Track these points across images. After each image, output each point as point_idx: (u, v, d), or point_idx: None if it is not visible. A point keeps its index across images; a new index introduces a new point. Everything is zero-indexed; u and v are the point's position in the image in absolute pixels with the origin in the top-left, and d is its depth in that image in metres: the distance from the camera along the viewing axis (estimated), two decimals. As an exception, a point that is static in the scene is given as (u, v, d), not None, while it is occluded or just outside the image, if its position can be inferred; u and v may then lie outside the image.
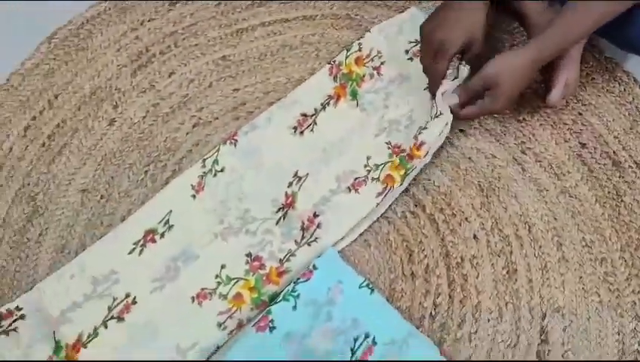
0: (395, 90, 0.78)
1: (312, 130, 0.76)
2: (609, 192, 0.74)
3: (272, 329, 0.63)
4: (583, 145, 0.76)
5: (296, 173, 0.73)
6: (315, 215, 0.71)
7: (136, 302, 0.67)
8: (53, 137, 0.78)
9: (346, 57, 0.79)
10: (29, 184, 0.75)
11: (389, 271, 0.70)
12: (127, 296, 0.67)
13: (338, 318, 0.64)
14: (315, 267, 0.66)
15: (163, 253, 0.69)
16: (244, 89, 0.81)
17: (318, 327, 0.64)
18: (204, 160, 0.73)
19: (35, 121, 0.79)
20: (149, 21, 0.86)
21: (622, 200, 0.73)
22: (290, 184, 0.73)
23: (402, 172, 0.72)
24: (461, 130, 0.77)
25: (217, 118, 0.79)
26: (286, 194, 0.72)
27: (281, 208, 0.71)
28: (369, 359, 0.62)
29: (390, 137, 0.75)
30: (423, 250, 0.71)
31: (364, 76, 0.78)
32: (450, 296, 0.69)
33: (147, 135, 0.78)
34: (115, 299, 0.66)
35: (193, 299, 0.67)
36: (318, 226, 0.70)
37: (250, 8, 0.86)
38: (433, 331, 0.67)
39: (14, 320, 0.65)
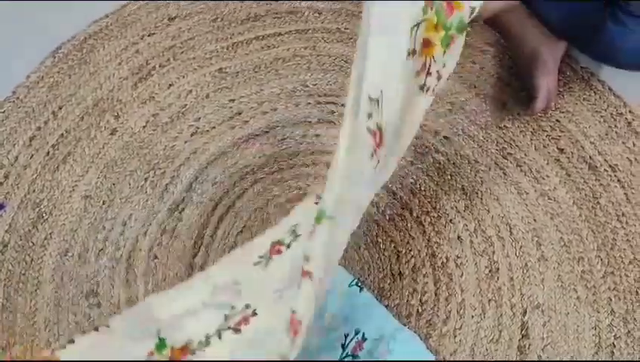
0: None
1: None
2: (586, 195, 0.78)
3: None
4: (561, 151, 0.81)
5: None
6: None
7: (256, 314, 0.64)
8: (57, 146, 0.81)
9: None
10: (34, 191, 0.78)
11: (377, 271, 0.73)
12: (247, 307, 0.65)
13: (329, 315, 0.67)
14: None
15: (287, 263, 0.66)
16: (239, 99, 0.85)
17: (313, 326, 0.67)
18: None
19: (39, 131, 0.83)
20: (148, 36, 0.90)
21: (598, 202, 0.77)
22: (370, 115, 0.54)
23: (442, 33, 0.58)
24: (445, 137, 0.81)
25: (214, 127, 0.83)
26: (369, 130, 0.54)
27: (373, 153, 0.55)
28: (359, 354, 0.66)
29: None
30: (410, 250, 0.75)
31: None
32: (435, 294, 0.72)
33: (147, 144, 0.82)
34: (233, 308, 0.65)
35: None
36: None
37: (245, 23, 0.91)
38: (420, 327, 0.70)
39: None
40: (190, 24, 0.91)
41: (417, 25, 0.55)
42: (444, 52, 0.58)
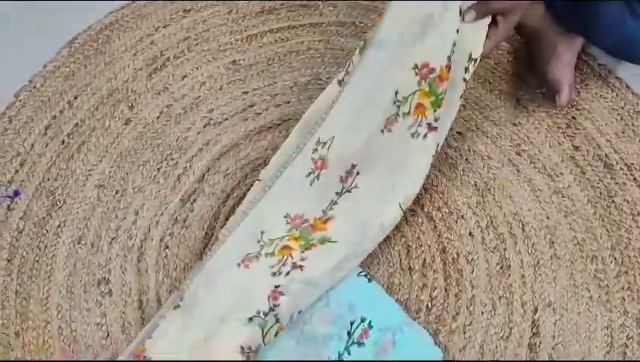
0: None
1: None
2: (600, 193, 0.77)
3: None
4: (576, 148, 0.80)
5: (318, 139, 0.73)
6: (353, 166, 0.73)
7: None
8: (72, 135, 0.82)
9: None
10: (48, 179, 0.79)
11: (387, 265, 0.73)
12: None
13: (335, 303, 0.68)
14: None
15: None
16: (252, 92, 0.85)
17: (317, 313, 0.67)
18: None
19: (55, 120, 0.84)
20: (164, 27, 0.90)
21: (613, 201, 0.76)
22: (315, 150, 0.73)
23: (432, 98, 0.69)
24: (459, 133, 0.81)
25: (227, 119, 0.83)
26: (312, 160, 0.73)
27: (311, 172, 0.73)
28: (364, 341, 0.66)
29: (416, 57, 0.69)
30: (421, 245, 0.74)
31: None
32: (445, 290, 0.72)
33: (160, 134, 0.82)
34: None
35: (239, 265, 0.69)
36: (358, 173, 0.72)
37: (260, 16, 0.91)
38: (429, 322, 0.70)
39: None
40: (205, 16, 0.91)
41: (413, 93, 0.69)
42: (434, 110, 0.69)
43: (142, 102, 0.84)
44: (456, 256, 0.73)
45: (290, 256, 0.69)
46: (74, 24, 0.90)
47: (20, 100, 0.84)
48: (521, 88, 0.84)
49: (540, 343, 0.69)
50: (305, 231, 0.71)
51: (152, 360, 0.63)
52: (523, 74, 0.85)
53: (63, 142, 0.82)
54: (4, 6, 0.92)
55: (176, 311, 0.66)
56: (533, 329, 0.69)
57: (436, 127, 0.70)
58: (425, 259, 0.73)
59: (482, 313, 0.70)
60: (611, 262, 0.73)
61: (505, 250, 0.74)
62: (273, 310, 0.65)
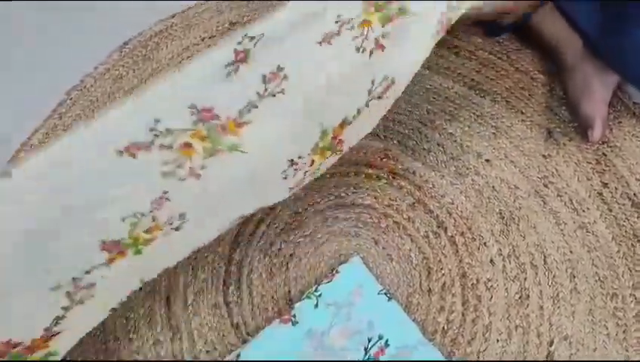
0: None
1: None
2: (626, 232, 0.77)
3: (294, 323, 0.69)
4: (605, 185, 0.80)
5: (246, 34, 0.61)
6: (280, 68, 0.61)
7: None
8: (116, 135, 0.87)
9: None
10: (91, 175, 0.84)
11: (407, 285, 0.75)
12: None
13: (356, 319, 0.70)
14: (337, 271, 0.72)
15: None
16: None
17: (337, 326, 0.69)
18: None
19: (101, 119, 0.88)
20: (209, 38, 0.94)
21: (638, 241, 0.76)
22: (240, 42, 0.61)
23: (379, 15, 0.63)
24: (487, 160, 0.82)
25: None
26: (235, 51, 0.60)
27: (229, 64, 0.60)
28: (380, 358, 0.68)
29: None
30: (442, 268, 0.76)
31: None
32: (463, 315, 0.73)
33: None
34: None
35: (121, 152, 0.58)
36: (285, 78, 0.61)
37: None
38: (444, 345, 0.71)
39: None
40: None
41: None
42: (382, 25, 0.63)
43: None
44: (475, 282, 0.75)
45: (190, 158, 0.59)
46: (126, 29, 0.95)
47: (71, 98, 0.89)
48: (553, 121, 0.85)
49: (554, 376, 0.69)
50: (214, 130, 0.60)
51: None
52: (556, 107, 0.86)
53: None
54: (63, 7, 0.98)
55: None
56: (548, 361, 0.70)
57: (383, 46, 0.63)
58: (445, 283, 0.75)
59: (497, 340, 0.71)
60: (631, 301, 0.73)
61: (525, 279, 0.75)
62: (152, 212, 0.59)
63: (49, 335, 0.61)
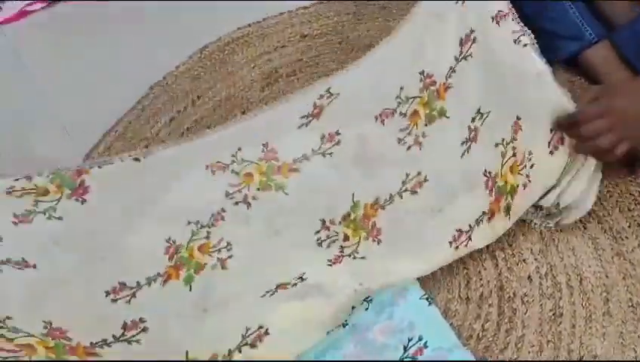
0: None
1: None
2: (662, 263, 0.80)
3: (344, 325, 0.75)
4: (645, 216, 0.84)
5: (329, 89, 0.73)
6: (337, 132, 0.73)
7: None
8: (191, 129, 0.96)
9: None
10: (166, 163, 0.93)
11: (447, 292, 0.80)
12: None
13: (398, 318, 0.75)
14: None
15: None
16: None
17: (380, 323, 0.75)
18: None
19: (179, 114, 0.97)
20: (281, 47, 1.03)
21: (673, 273, 0.80)
22: (322, 96, 0.73)
23: (427, 111, 0.74)
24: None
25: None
26: (314, 104, 0.73)
27: (306, 116, 0.73)
28: (418, 357, 0.73)
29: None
30: (481, 279, 0.81)
31: None
32: (497, 324, 0.78)
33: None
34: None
35: (207, 166, 0.70)
36: (337, 143, 0.73)
37: (367, 49, 1.00)
38: (477, 350, 0.76)
39: None
40: (318, 43, 1.03)
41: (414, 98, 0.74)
42: (425, 125, 0.74)
43: (253, 110, 0.96)
44: (512, 296, 0.79)
45: (248, 186, 0.70)
46: (207, 35, 1.04)
47: (154, 93, 0.99)
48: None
49: (580, 391, 0.73)
50: (271, 169, 0.71)
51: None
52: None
53: (182, 134, 0.95)
54: (152, 7, 1.07)
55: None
56: (575, 377, 0.74)
57: (421, 143, 0.74)
58: (482, 293, 0.80)
59: (529, 352, 0.76)
60: (662, 329, 0.76)
61: (560, 298, 0.79)
62: (208, 227, 0.69)
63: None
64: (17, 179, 0.62)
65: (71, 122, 0.95)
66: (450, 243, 0.77)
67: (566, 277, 0.80)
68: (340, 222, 0.75)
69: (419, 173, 0.76)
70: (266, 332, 0.71)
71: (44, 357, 0.59)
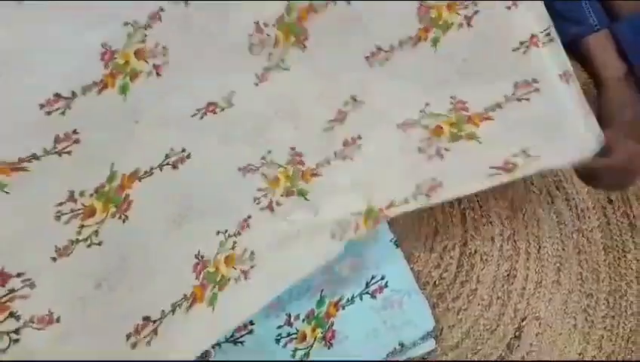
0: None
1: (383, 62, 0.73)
2: (616, 246, 0.86)
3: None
4: (610, 201, 0.88)
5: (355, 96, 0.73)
6: (359, 136, 0.73)
7: (190, 157, 0.68)
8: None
9: None
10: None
11: (414, 239, 0.85)
12: (184, 150, 0.69)
13: (368, 257, 0.80)
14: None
15: (220, 124, 0.70)
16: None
17: (350, 258, 0.79)
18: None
19: None
20: None
21: (625, 256, 0.85)
22: (347, 103, 0.73)
23: (454, 130, 0.71)
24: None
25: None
26: (339, 110, 0.73)
27: (332, 120, 0.73)
28: (377, 296, 0.78)
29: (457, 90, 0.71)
30: (447, 233, 0.85)
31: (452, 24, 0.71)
32: (455, 276, 0.83)
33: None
34: (172, 149, 0.68)
35: (240, 169, 0.70)
36: (359, 148, 0.73)
37: None
38: (431, 296, 0.81)
39: None
40: None
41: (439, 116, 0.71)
42: (449, 141, 0.70)
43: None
44: (473, 253, 0.84)
45: (274, 191, 0.70)
46: None
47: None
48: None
49: (518, 346, 0.79)
50: (296, 173, 0.72)
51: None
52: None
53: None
54: None
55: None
56: (516, 333, 0.80)
57: (442, 156, 0.70)
58: (447, 246, 0.85)
59: (478, 304, 0.81)
60: (604, 304, 0.82)
61: (517, 262, 0.84)
62: (235, 236, 0.68)
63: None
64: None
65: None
66: None
67: (526, 243, 0.85)
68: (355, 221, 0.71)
69: (433, 179, 0.71)
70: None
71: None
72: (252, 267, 0.68)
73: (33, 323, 0.57)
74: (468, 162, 0.69)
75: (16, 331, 0.56)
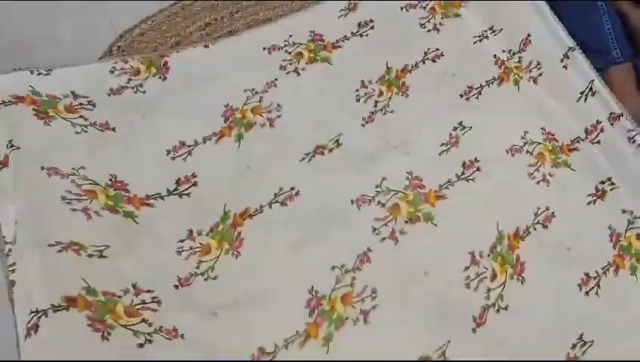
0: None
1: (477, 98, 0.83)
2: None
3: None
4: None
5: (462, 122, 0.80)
6: (476, 160, 0.77)
7: (299, 195, 0.72)
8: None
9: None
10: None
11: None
12: (292, 188, 0.73)
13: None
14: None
15: (328, 161, 0.75)
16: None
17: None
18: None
19: (215, 22, 1.01)
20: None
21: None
22: (456, 128, 0.79)
23: (553, 156, 0.78)
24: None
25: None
26: (450, 135, 0.79)
27: (445, 144, 0.78)
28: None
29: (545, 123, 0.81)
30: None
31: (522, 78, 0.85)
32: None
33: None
34: (281, 189, 0.73)
35: (352, 201, 0.71)
36: (478, 169, 0.76)
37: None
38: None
39: None
40: None
41: (537, 144, 0.80)
42: (552, 166, 0.78)
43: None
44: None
45: (395, 219, 0.70)
46: None
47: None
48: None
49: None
50: (418, 197, 0.72)
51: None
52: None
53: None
54: None
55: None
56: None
57: (548, 182, 0.77)
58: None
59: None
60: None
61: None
62: (353, 272, 0.66)
63: None
64: (116, 62, 0.77)
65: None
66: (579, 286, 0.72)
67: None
68: (488, 255, 0.72)
69: (547, 208, 0.76)
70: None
71: (104, 203, 0.67)
72: (374, 307, 0.65)
73: (162, 332, 0.61)
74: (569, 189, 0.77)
75: (149, 334, 0.62)
